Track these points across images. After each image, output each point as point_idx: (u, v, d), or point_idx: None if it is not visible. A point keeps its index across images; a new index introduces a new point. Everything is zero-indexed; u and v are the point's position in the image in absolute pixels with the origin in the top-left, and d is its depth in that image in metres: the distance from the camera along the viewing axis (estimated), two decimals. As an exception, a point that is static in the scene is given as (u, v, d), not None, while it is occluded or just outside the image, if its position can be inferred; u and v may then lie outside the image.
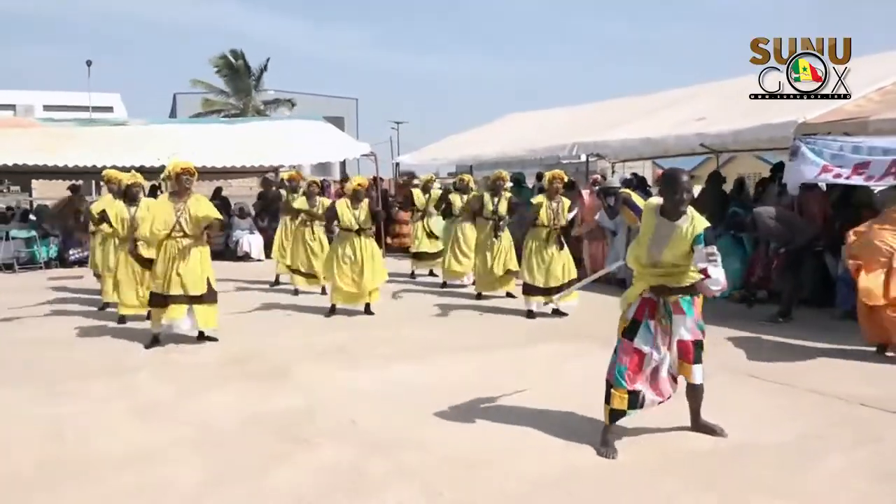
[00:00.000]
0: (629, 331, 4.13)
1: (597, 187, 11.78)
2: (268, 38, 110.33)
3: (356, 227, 8.30)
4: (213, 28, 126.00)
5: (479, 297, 9.54)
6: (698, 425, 4.34)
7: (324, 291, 9.94)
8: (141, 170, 12.23)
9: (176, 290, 6.79)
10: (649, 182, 17.28)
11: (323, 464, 3.99)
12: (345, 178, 15.79)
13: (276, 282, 11.03)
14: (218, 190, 17.32)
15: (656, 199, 4.23)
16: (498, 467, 3.89)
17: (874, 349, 6.30)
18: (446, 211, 10.66)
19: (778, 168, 9.62)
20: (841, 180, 7.02)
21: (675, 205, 4.06)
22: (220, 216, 7.08)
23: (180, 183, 6.84)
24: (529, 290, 8.24)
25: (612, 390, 4.09)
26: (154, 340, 6.90)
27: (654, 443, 4.20)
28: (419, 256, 11.84)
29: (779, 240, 7.87)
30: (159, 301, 6.85)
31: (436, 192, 12.12)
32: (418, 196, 12.05)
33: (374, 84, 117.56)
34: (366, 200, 8.40)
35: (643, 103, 13.10)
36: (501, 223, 9.09)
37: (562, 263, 8.17)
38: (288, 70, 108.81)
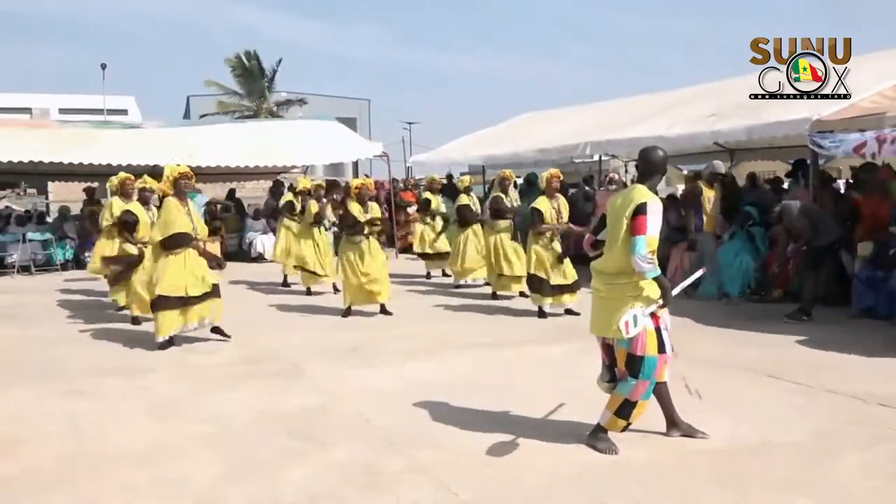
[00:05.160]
0: (661, 344, 3.95)
1: (612, 186, 11.80)
2: (281, 39, 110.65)
3: (364, 229, 8.33)
4: (227, 30, 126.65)
5: (494, 296, 9.53)
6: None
7: (336, 290, 10.00)
8: (156, 169, 12.39)
9: (195, 291, 6.82)
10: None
11: (337, 461, 4.00)
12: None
13: (286, 283, 11.08)
14: (231, 192, 17.44)
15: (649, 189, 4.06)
16: (512, 464, 3.89)
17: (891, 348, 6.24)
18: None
19: (798, 165, 9.55)
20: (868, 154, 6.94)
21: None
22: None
23: (178, 187, 6.87)
24: (541, 288, 8.20)
25: (637, 407, 3.96)
26: (169, 341, 6.90)
27: (669, 440, 4.18)
28: (429, 257, 11.86)
29: (802, 235, 7.79)
30: (175, 304, 6.78)
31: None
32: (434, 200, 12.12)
33: (387, 84, 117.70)
34: (373, 204, 8.41)
35: (656, 102, 13.04)
36: (517, 220, 9.13)
37: (566, 263, 8.15)
38: (301, 70, 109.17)
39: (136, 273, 7.96)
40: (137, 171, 9.30)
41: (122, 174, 8.94)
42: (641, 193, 3.95)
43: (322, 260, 10.23)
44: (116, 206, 8.80)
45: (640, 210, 3.85)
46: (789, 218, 7.72)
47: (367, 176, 16.73)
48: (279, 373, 5.99)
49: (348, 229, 8.37)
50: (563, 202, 8.25)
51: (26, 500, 3.63)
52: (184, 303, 6.81)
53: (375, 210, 8.41)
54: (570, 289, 8.15)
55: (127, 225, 8.09)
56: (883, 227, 7.88)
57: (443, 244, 11.58)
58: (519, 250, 9.19)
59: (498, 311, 8.74)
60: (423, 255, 11.97)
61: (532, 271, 8.19)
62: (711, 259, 8.71)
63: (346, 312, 8.45)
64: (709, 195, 8.87)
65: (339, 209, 10.14)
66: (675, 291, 4.15)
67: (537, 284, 8.20)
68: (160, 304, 6.79)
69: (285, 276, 11.10)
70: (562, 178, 8.44)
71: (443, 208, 11.98)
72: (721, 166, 9.18)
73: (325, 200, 10.54)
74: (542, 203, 8.15)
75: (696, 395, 4.16)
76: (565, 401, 4.84)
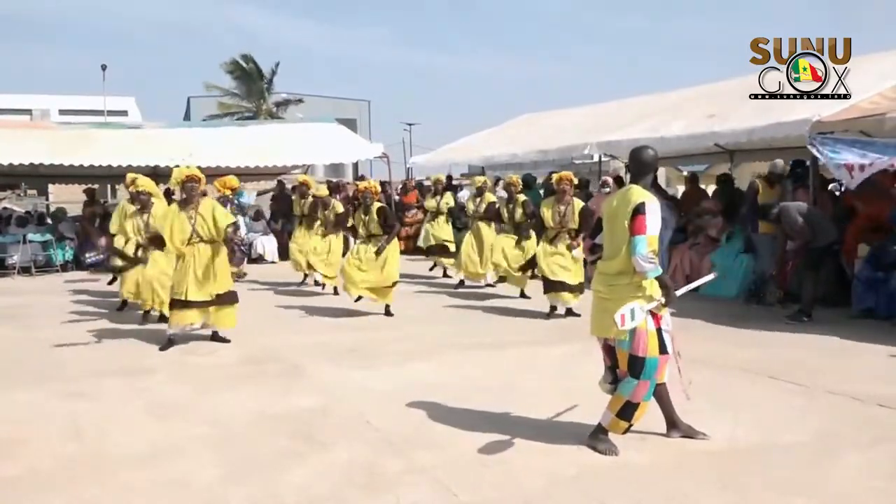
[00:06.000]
0: (662, 345, 3.96)
1: (606, 189, 11.80)
2: (281, 40, 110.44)
3: (366, 233, 8.32)
4: (227, 31, 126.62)
5: (491, 285, 9.49)
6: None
7: (336, 292, 10.00)
8: (156, 170, 12.45)
9: (194, 296, 6.83)
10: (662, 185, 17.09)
11: (337, 462, 4.00)
12: (361, 180, 15.93)
13: (304, 281, 11.13)
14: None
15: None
16: (512, 466, 3.89)
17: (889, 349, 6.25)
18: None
19: (796, 165, 9.56)
20: (871, 170, 6.95)
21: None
22: (232, 220, 7.12)
23: (186, 190, 6.88)
24: (550, 287, 8.17)
25: (639, 408, 3.96)
26: (169, 342, 6.94)
27: (670, 442, 4.18)
28: (430, 251, 11.88)
29: (800, 238, 7.79)
30: (179, 305, 6.87)
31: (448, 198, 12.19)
32: (428, 200, 12.14)
33: (387, 84, 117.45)
34: (376, 206, 8.39)
35: (656, 102, 13.04)
36: (521, 228, 9.11)
37: (573, 263, 8.13)
38: (301, 72, 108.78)
39: (153, 268, 7.99)
40: (138, 173, 9.29)
41: (130, 175, 8.93)
42: (639, 194, 3.95)
43: (328, 262, 10.21)
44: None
45: (639, 210, 3.86)
46: (788, 219, 7.72)
47: (362, 177, 16.79)
48: (279, 374, 5.99)
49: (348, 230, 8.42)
50: (574, 206, 8.09)
51: (26, 500, 3.62)
52: (183, 305, 6.85)
53: (374, 211, 8.37)
54: (570, 288, 8.09)
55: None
56: (882, 229, 7.89)
57: (442, 235, 11.63)
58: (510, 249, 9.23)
59: (499, 312, 8.74)
60: (426, 251, 11.99)
61: (542, 270, 8.22)
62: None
63: (357, 299, 8.40)
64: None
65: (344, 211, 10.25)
66: (681, 292, 4.15)
67: (549, 282, 8.19)
68: (171, 304, 7.01)
69: (305, 276, 11.11)
70: (574, 182, 8.36)
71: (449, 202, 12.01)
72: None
73: (337, 197, 10.59)
74: (543, 207, 8.17)
75: (686, 392, 4.17)
76: (566, 402, 4.84)
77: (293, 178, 14.95)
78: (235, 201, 11.79)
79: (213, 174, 14.46)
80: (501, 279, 10.00)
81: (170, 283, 7.18)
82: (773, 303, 8.53)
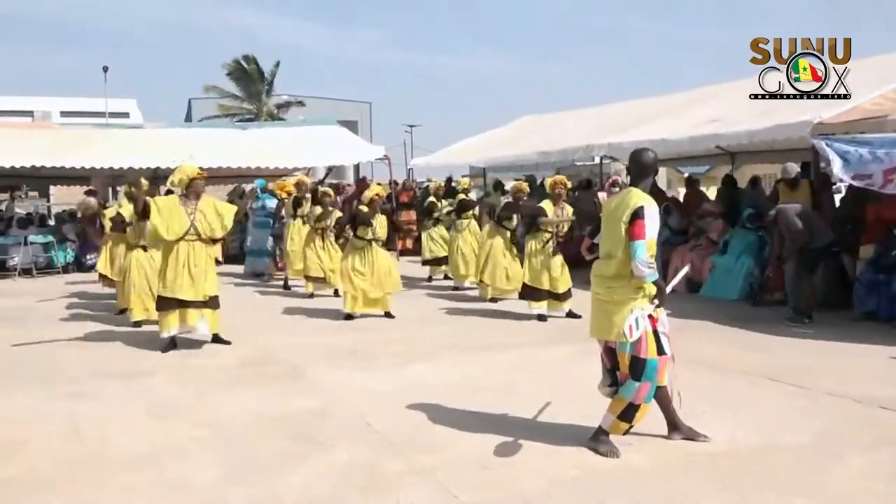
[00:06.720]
0: (660, 347, 3.97)
1: (616, 189, 11.79)
2: (283, 42, 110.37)
3: (370, 237, 8.31)
4: (229, 33, 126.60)
5: (492, 300, 9.51)
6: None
7: (336, 294, 10.00)
8: (157, 172, 12.46)
9: (188, 296, 6.74)
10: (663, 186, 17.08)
11: (337, 464, 4.00)
12: (363, 181, 15.91)
13: (286, 286, 11.08)
14: (241, 193, 17.46)
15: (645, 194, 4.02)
16: (512, 466, 3.89)
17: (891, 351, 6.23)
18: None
19: (803, 167, 9.55)
20: (875, 188, 6.95)
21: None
22: (230, 221, 7.10)
23: (195, 187, 6.87)
24: (532, 293, 8.18)
25: (640, 410, 3.96)
26: (171, 344, 6.89)
27: (670, 443, 4.17)
28: (435, 262, 11.82)
29: (797, 239, 7.76)
30: (168, 304, 6.78)
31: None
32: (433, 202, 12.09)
33: (388, 86, 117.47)
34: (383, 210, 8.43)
35: (659, 104, 13.04)
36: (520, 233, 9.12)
37: (563, 268, 8.14)
38: (303, 73, 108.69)
39: (138, 276, 7.97)
40: (139, 174, 9.30)
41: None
42: (638, 197, 3.94)
43: (326, 265, 10.18)
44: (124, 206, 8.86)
45: (638, 214, 3.85)
46: (785, 221, 7.71)
47: (363, 179, 16.81)
48: (280, 375, 5.98)
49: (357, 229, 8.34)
50: (567, 211, 8.21)
51: (26, 501, 3.62)
52: (178, 304, 6.78)
53: (383, 220, 8.41)
54: (559, 297, 8.15)
55: (116, 226, 8.22)
56: (886, 230, 7.86)
57: (439, 248, 11.59)
58: (513, 263, 9.19)
59: (498, 314, 8.74)
60: (427, 261, 11.92)
61: (528, 282, 8.20)
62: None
63: (348, 317, 8.42)
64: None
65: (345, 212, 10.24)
66: (667, 290, 4.16)
67: (533, 293, 8.19)
68: (158, 303, 6.90)
69: (286, 279, 11.11)
70: (567, 185, 8.43)
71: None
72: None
73: (340, 199, 10.59)
74: (546, 205, 8.18)
75: (678, 398, 4.18)
76: (565, 403, 4.84)
77: (293, 179, 14.95)
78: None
79: (214, 176, 14.53)
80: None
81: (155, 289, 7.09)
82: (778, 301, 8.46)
